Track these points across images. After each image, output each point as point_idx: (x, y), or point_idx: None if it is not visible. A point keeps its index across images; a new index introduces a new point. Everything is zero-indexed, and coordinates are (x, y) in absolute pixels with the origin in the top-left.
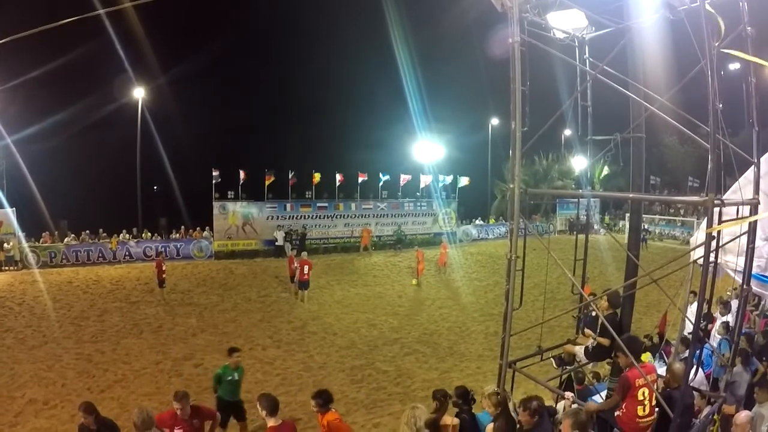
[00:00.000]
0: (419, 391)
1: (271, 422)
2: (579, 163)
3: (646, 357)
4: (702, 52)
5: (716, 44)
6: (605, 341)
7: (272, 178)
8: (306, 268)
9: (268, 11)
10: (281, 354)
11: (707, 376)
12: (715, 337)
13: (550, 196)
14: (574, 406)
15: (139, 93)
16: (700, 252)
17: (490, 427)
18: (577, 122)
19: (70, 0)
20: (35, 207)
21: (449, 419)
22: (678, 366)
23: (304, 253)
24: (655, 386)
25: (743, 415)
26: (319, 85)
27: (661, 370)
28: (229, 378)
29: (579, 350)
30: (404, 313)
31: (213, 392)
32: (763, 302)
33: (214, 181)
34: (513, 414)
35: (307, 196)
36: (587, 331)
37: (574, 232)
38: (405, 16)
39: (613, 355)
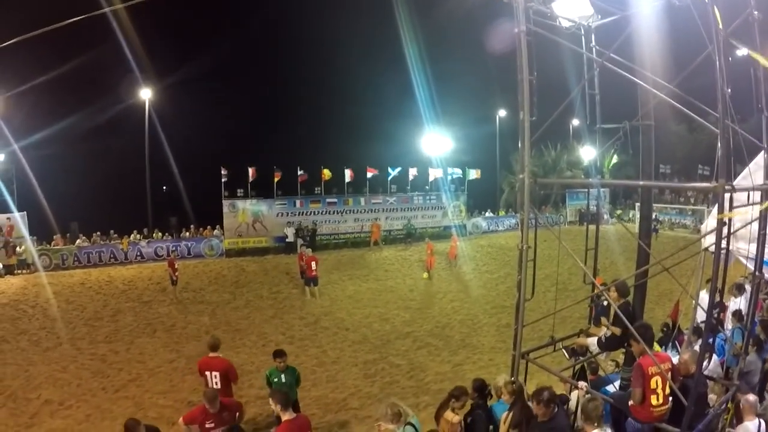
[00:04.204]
0: (432, 384)
1: (285, 416)
2: (588, 152)
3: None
4: (709, 37)
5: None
6: (617, 330)
7: (280, 176)
8: (313, 264)
9: (273, 7)
10: (294, 350)
11: (721, 364)
12: (729, 326)
13: (559, 187)
14: (588, 396)
15: (146, 94)
16: (711, 239)
17: (505, 415)
18: (585, 111)
19: (75, 6)
20: (45, 210)
21: (450, 415)
22: (689, 355)
23: (309, 249)
24: (669, 375)
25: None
26: (326, 80)
27: (675, 359)
28: (275, 380)
29: (591, 341)
30: (416, 307)
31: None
32: None
33: (223, 180)
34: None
35: (316, 191)
36: (602, 319)
37: (585, 223)
38: (411, 9)
39: (626, 344)
